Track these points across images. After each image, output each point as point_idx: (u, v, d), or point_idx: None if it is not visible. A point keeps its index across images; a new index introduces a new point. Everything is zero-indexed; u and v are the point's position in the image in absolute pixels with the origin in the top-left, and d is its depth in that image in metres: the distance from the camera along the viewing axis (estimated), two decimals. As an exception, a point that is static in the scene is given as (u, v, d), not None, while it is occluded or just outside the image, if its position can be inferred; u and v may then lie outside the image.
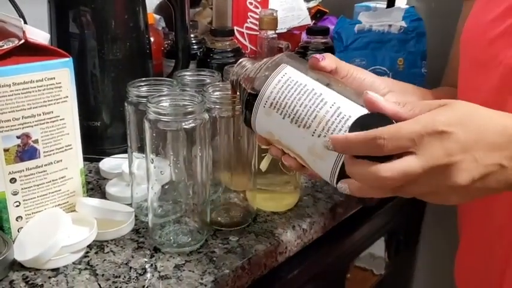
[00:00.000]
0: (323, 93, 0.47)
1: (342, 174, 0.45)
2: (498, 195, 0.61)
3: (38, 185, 0.60)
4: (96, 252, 0.60)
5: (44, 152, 0.60)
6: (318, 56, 0.51)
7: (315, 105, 0.46)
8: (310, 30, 0.98)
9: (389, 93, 0.56)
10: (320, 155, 0.46)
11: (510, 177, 0.42)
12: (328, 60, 0.51)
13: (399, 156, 0.41)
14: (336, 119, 0.45)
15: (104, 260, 0.58)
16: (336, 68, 0.51)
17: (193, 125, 0.57)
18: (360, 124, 0.43)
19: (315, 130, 0.46)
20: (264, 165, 0.67)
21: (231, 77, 0.56)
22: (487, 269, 0.65)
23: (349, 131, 0.44)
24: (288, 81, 0.49)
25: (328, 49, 0.95)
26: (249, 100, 0.51)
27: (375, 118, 0.43)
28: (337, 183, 0.46)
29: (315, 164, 0.48)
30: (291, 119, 0.47)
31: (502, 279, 0.62)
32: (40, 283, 0.54)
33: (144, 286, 0.54)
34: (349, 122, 0.44)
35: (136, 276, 0.56)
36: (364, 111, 0.45)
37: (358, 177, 0.43)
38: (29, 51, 0.58)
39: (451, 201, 0.43)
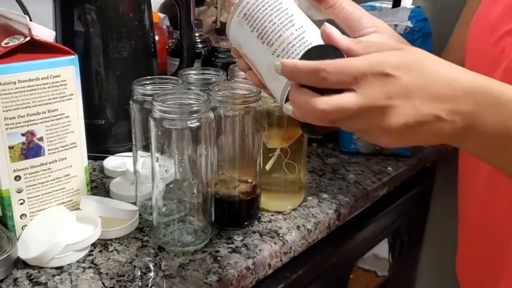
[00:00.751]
0: (294, 15, 0.47)
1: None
2: (497, 187, 0.61)
3: (42, 183, 0.60)
4: (100, 251, 0.59)
5: (49, 150, 0.60)
6: None
7: (283, 24, 0.47)
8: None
9: (374, 33, 0.52)
10: (275, 75, 0.47)
11: (445, 130, 0.42)
12: None
13: (340, 91, 0.41)
14: (297, 42, 0.46)
15: (108, 258, 0.58)
16: None
17: (198, 123, 0.57)
18: (311, 54, 0.44)
19: (276, 50, 0.47)
20: (268, 165, 0.67)
21: None
22: (487, 260, 0.66)
23: (301, 59, 0.44)
24: None
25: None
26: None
27: (328, 50, 0.44)
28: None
29: (270, 84, 0.49)
30: (258, 33, 0.48)
31: (501, 269, 0.62)
32: (44, 281, 0.54)
33: (148, 285, 0.54)
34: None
35: (140, 275, 0.56)
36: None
37: (297, 106, 0.43)
38: (35, 48, 0.58)
39: (383, 142, 0.44)
